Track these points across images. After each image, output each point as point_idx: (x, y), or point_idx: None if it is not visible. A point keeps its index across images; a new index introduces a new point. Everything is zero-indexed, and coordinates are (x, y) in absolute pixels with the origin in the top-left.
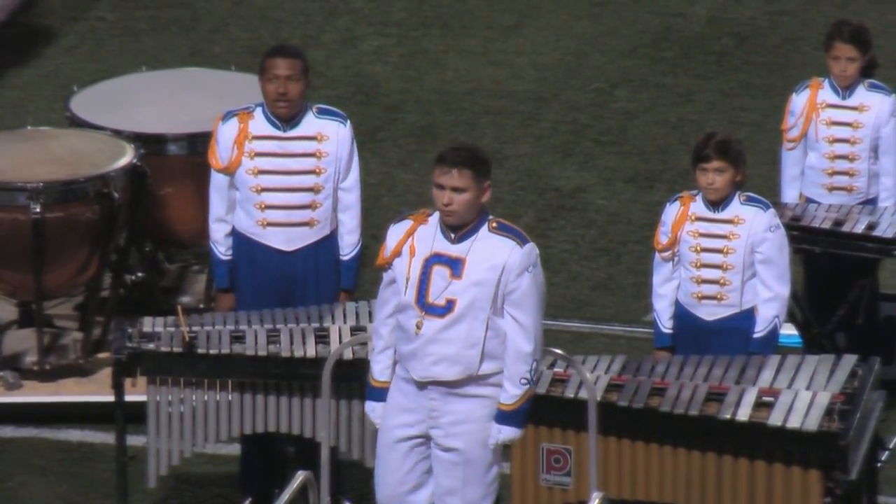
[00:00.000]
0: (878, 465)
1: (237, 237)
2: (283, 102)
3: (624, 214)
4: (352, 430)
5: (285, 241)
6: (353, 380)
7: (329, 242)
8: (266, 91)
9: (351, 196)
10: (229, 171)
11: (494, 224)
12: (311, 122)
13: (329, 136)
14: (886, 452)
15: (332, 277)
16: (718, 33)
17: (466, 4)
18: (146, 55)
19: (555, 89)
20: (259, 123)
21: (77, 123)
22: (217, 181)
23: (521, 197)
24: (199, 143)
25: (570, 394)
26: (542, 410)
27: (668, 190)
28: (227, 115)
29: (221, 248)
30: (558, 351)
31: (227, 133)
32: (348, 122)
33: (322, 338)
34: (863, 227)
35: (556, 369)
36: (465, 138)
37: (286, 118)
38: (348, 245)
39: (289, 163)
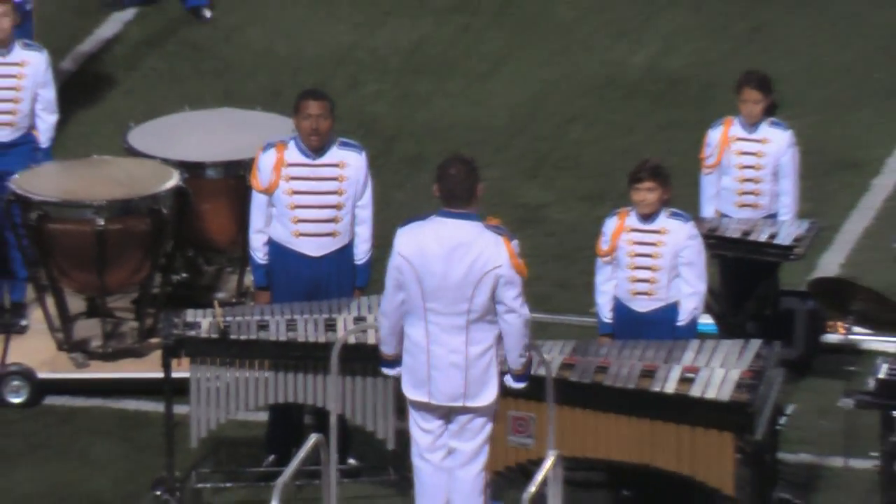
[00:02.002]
0: (778, 428)
1: (273, 245)
2: (315, 136)
3: (577, 226)
4: (356, 401)
5: (314, 248)
6: (356, 360)
7: (348, 249)
8: (300, 126)
9: (366, 212)
10: (269, 192)
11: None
12: (335, 152)
13: (349, 163)
14: (785, 418)
15: (349, 278)
16: (654, 79)
17: (450, 55)
18: (188, 97)
19: (522, 124)
20: (293, 153)
21: (133, 153)
22: (258, 200)
23: (495, 211)
24: (232, 168)
25: (532, 371)
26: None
27: (615, 206)
28: (267, 147)
29: (259, 254)
30: None
31: (266, 161)
32: (364, 152)
33: (330, 326)
34: (766, 236)
35: None
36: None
37: (316, 149)
38: (363, 252)
39: (317, 185)
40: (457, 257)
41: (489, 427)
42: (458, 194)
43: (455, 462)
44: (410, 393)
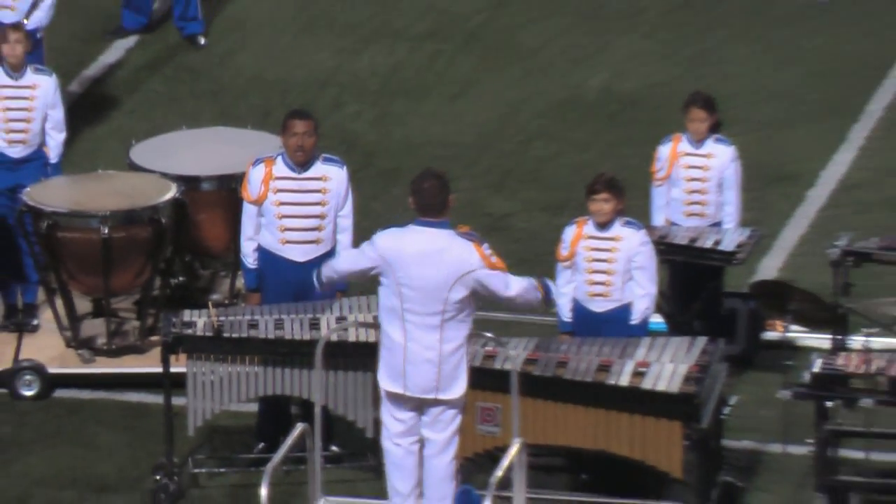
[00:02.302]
0: (722, 417)
1: (263, 251)
2: (300, 152)
3: (539, 234)
4: (338, 393)
5: (300, 254)
6: (338, 356)
7: (331, 255)
8: (287, 143)
9: (347, 221)
10: (258, 203)
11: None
12: (318, 167)
13: (332, 177)
14: (728, 408)
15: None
16: (608, 100)
17: (423, 79)
18: (185, 117)
19: (489, 141)
20: (280, 167)
21: (135, 167)
22: (248, 210)
23: (464, 220)
24: (225, 181)
25: (497, 366)
26: (477, 378)
27: (573, 215)
28: (257, 162)
29: (250, 259)
30: (489, 335)
31: (256, 175)
32: (345, 167)
33: (315, 325)
34: (711, 243)
35: (487, 348)
36: (447, 177)
37: (301, 164)
38: None
39: (302, 197)
40: (432, 263)
41: (459, 418)
42: (431, 206)
43: (429, 451)
44: (387, 385)
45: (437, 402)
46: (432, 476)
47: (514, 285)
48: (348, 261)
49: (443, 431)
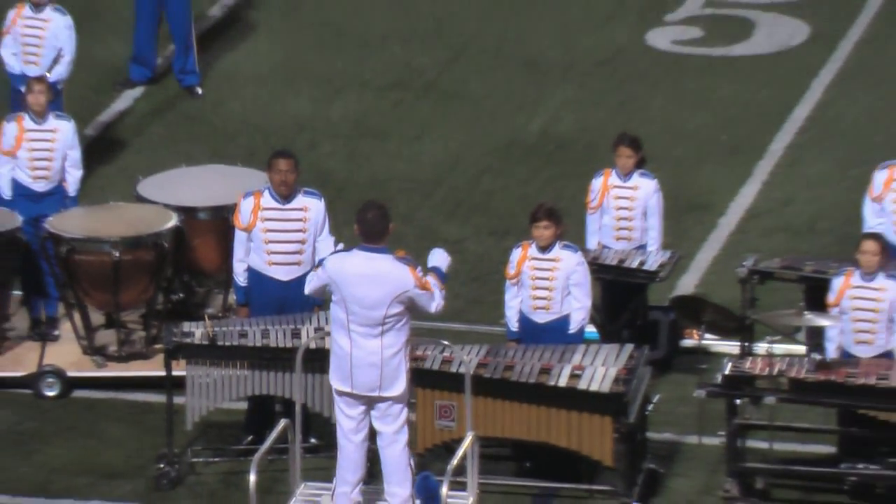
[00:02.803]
0: (647, 413)
1: (251, 271)
2: (284, 187)
3: (487, 256)
4: (315, 393)
5: (283, 274)
6: (316, 361)
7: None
8: (272, 179)
9: (324, 245)
10: (248, 230)
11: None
12: (300, 199)
13: (311, 207)
14: (651, 405)
15: (311, 298)
16: (546, 141)
17: (387, 123)
18: (184, 156)
19: (443, 176)
20: (267, 199)
21: (141, 200)
22: (239, 236)
23: (423, 244)
24: (218, 211)
25: (453, 369)
26: (436, 380)
27: (517, 240)
28: (247, 195)
29: (240, 278)
30: (445, 342)
31: (246, 206)
32: (323, 199)
33: (296, 335)
34: (637, 263)
35: (444, 354)
36: (388, 208)
37: (285, 196)
38: None
39: (286, 224)
40: (373, 283)
41: (405, 412)
42: (373, 233)
43: (382, 442)
44: (337, 385)
45: (381, 399)
46: (389, 465)
47: (438, 301)
48: (311, 281)
49: (392, 423)
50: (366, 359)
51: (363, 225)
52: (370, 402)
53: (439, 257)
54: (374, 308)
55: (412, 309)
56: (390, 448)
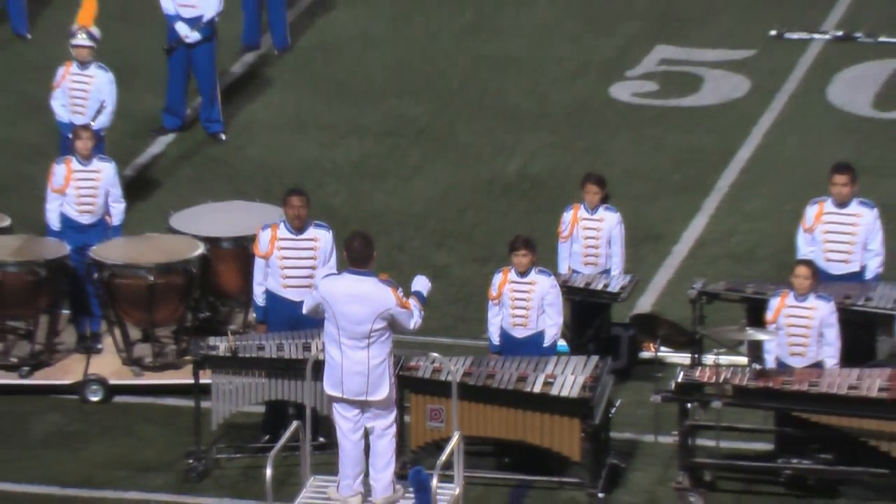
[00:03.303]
0: (610, 415)
1: (269, 293)
2: (297, 220)
3: (471, 280)
4: (323, 399)
5: (296, 295)
6: (323, 370)
7: None
8: (287, 214)
9: (332, 271)
10: (266, 258)
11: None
12: (311, 231)
13: (321, 238)
14: (614, 408)
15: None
16: (523, 180)
17: (384, 165)
18: (210, 193)
19: (433, 210)
20: (283, 231)
21: (173, 231)
22: (258, 263)
23: (415, 270)
24: (240, 241)
25: (442, 377)
26: (427, 387)
27: (497, 266)
28: (265, 227)
29: (259, 299)
30: (435, 354)
31: (264, 236)
32: (331, 230)
33: (307, 348)
34: (601, 286)
35: (434, 364)
36: (384, 241)
37: (298, 228)
38: None
39: (299, 253)
40: (359, 302)
41: (394, 412)
42: (359, 259)
43: (373, 436)
44: (330, 390)
45: (368, 403)
46: (377, 454)
47: (416, 319)
48: (307, 302)
49: (383, 420)
50: (354, 368)
51: (350, 252)
52: (363, 406)
53: (421, 283)
54: (360, 324)
55: (393, 325)
56: (379, 441)
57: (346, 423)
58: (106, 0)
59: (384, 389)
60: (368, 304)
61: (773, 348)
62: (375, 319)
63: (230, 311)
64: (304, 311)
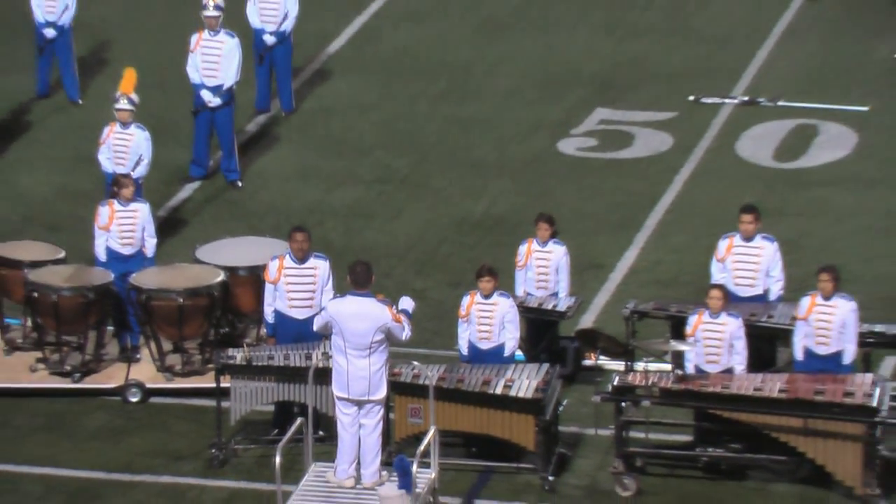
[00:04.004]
0: (559, 412)
1: (277, 313)
2: (300, 252)
3: (445, 302)
4: (323, 399)
5: (300, 314)
6: (323, 376)
7: None
8: (292, 247)
9: (329, 296)
10: (274, 283)
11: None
12: (312, 261)
13: (320, 267)
14: (562, 407)
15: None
16: (487, 219)
17: (372, 207)
18: (228, 230)
19: (412, 245)
20: (288, 261)
21: (198, 262)
22: (268, 287)
23: (399, 293)
24: (254, 269)
25: (421, 382)
26: (408, 389)
27: (466, 290)
28: (274, 257)
29: (269, 317)
30: (415, 362)
31: (273, 265)
32: (329, 260)
33: (308, 357)
34: (551, 306)
35: (414, 371)
36: (376, 273)
37: (301, 259)
38: None
39: (301, 279)
40: (361, 319)
41: (383, 410)
42: (360, 282)
43: (364, 432)
44: (337, 392)
45: (369, 401)
46: (366, 447)
47: (406, 331)
48: (317, 322)
49: (373, 418)
50: (358, 373)
51: (353, 276)
52: (360, 405)
53: (407, 302)
54: (363, 336)
55: (389, 337)
56: (370, 436)
57: (346, 418)
58: (144, 71)
59: (382, 390)
60: (369, 320)
61: (693, 357)
62: (375, 332)
63: (246, 327)
64: (315, 328)
